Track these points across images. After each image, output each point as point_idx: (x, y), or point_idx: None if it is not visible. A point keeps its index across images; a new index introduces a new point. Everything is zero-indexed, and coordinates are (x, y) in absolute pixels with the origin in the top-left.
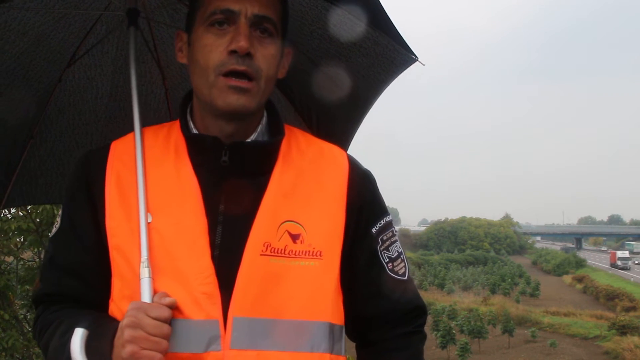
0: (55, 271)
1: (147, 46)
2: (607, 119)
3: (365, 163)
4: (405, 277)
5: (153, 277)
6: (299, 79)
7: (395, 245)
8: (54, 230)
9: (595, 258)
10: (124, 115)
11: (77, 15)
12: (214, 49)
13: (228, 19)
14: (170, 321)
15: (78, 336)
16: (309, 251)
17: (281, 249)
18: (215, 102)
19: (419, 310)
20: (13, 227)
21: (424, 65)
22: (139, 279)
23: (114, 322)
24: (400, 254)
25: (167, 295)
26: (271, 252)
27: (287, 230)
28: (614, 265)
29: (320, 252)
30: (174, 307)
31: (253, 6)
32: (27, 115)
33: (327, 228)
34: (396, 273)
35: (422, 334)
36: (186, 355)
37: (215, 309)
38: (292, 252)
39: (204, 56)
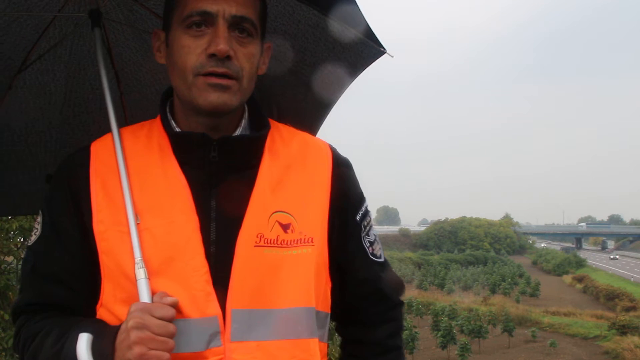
0: (39, 279)
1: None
2: (606, 119)
3: (365, 163)
4: (383, 259)
5: (149, 278)
6: (263, 77)
7: (372, 229)
8: (34, 237)
9: (595, 258)
10: (78, 121)
11: (29, 18)
12: (191, 51)
13: (205, 20)
14: (173, 320)
15: (84, 341)
16: (301, 239)
17: (273, 240)
18: (197, 101)
19: (399, 286)
20: (14, 227)
21: (392, 57)
22: (133, 282)
23: (111, 326)
24: (376, 237)
25: (167, 295)
26: (265, 243)
27: (277, 221)
28: None
29: (312, 239)
30: (175, 306)
31: (231, 7)
32: None
33: (315, 215)
34: (375, 256)
35: (403, 304)
36: (188, 355)
37: (214, 306)
38: (284, 242)
39: (181, 58)
